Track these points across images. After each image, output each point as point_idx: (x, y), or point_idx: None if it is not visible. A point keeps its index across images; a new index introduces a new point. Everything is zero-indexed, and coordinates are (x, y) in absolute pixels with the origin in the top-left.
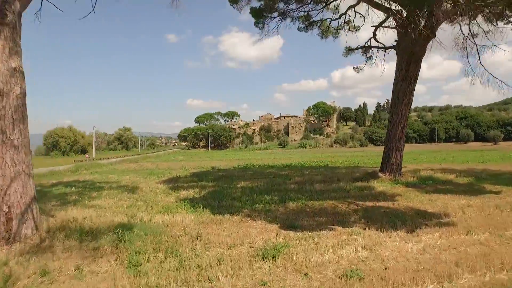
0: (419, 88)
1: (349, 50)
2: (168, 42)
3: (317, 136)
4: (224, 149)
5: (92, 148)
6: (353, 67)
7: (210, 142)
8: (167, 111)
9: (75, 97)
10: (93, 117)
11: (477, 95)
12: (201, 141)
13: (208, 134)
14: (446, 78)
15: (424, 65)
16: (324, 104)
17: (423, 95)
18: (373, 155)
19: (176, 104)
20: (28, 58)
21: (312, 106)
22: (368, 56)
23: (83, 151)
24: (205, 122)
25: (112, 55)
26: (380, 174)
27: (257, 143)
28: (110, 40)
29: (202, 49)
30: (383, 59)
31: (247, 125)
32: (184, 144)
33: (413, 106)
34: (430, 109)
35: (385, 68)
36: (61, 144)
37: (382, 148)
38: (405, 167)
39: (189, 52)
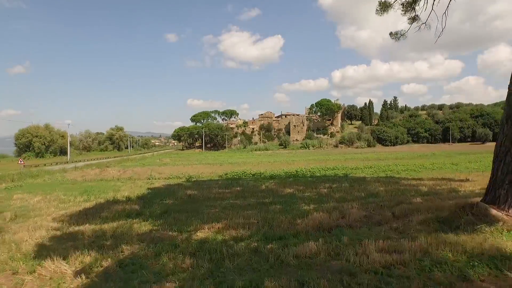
0: (419, 88)
1: (385, 5)
2: (168, 41)
3: (321, 135)
4: (220, 150)
5: (71, 148)
6: (390, 33)
7: (206, 142)
8: (168, 111)
9: (76, 98)
10: (93, 117)
11: (477, 95)
12: (196, 141)
13: (203, 133)
14: (448, 77)
15: (425, 64)
16: (328, 102)
17: (424, 95)
18: (390, 157)
19: (177, 104)
20: (28, 58)
21: (315, 103)
22: (413, 16)
23: (63, 152)
24: (202, 121)
25: (111, 55)
26: (494, 212)
27: (256, 143)
28: (108, 40)
29: (202, 48)
30: (445, 12)
31: (245, 124)
32: (181, 144)
33: (419, 105)
34: (440, 107)
35: (385, 68)
36: (35, 144)
37: (393, 148)
38: (469, 179)
39: (189, 51)
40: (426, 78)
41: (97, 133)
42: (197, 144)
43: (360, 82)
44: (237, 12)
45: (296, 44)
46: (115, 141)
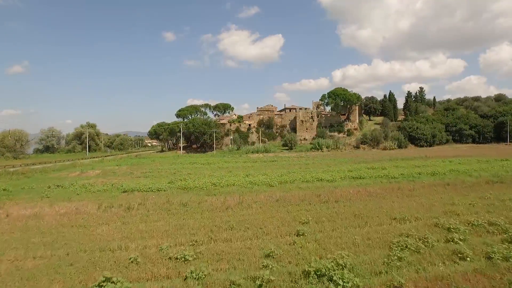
0: (419, 88)
1: None
2: (166, 40)
3: (335, 133)
4: (208, 151)
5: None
6: None
7: (191, 142)
8: (169, 111)
9: (75, 98)
10: (93, 118)
11: (479, 95)
12: (180, 140)
13: (181, 129)
14: (449, 77)
15: (426, 63)
16: (345, 91)
17: (425, 95)
18: (491, 169)
19: (177, 104)
20: (26, 58)
21: (328, 93)
22: None
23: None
24: (189, 117)
25: (108, 55)
26: None
27: (253, 142)
28: (105, 39)
29: (201, 47)
30: None
31: (240, 119)
32: (160, 145)
33: (444, 98)
34: (475, 99)
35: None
36: None
37: (437, 150)
38: None
39: (188, 51)
40: (428, 78)
41: (73, 133)
42: (182, 143)
43: (361, 82)
44: (236, 10)
45: (296, 43)
46: (84, 141)
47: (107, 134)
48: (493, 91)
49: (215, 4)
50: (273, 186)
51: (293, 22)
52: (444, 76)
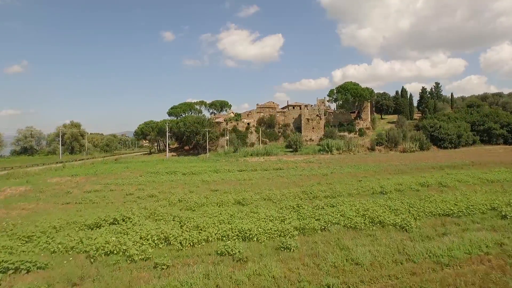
0: (421, 87)
1: None
2: (165, 40)
3: (345, 133)
4: (202, 153)
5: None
6: None
7: (183, 142)
8: (167, 110)
9: (74, 98)
10: (92, 119)
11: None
12: (171, 139)
13: (167, 128)
14: (450, 76)
15: (427, 63)
16: (356, 86)
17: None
18: None
19: (176, 104)
20: (25, 57)
21: (337, 88)
22: None
23: None
24: (182, 115)
25: (107, 54)
26: None
27: (253, 144)
28: (103, 39)
29: (200, 47)
30: None
31: (238, 117)
32: (148, 145)
33: (460, 94)
34: (498, 94)
35: (386, 67)
36: None
37: (469, 153)
38: None
39: (187, 50)
40: (428, 77)
41: (55, 133)
42: (174, 145)
43: (361, 81)
44: (235, 9)
45: (296, 43)
46: (66, 141)
47: (102, 134)
48: (493, 91)
49: (214, 3)
50: (290, 250)
51: (293, 22)
52: (444, 76)
